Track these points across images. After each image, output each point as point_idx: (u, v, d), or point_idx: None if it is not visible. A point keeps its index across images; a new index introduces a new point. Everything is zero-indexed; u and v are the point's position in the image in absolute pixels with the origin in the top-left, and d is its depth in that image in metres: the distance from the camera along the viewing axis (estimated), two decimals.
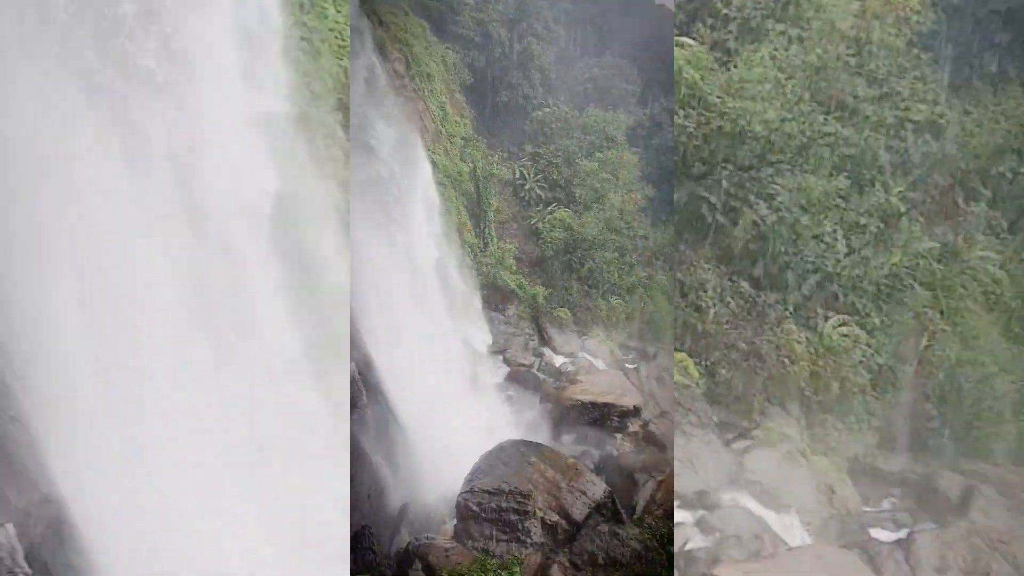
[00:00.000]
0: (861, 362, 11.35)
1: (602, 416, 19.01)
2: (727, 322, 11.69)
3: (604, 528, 12.46)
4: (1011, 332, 12.85)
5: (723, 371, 11.97)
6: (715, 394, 12.12)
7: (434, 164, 24.40)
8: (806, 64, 12.29)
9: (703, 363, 12.39)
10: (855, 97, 12.48)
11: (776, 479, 11.35)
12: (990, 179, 13.00)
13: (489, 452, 13.97)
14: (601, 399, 19.41)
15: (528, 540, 12.04)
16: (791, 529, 10.89)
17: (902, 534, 10.78)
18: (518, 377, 22.67)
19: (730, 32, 12.08)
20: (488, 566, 10.71)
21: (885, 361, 11.59)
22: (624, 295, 28.46)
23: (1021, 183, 12.90)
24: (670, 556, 11.84)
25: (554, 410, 19.36)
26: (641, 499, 14.32)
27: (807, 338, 11.81)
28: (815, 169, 11.93)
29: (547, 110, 33.34)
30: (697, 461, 12.32)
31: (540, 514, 12.37)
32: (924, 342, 11.77)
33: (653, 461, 15.74)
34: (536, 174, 32.11)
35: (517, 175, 31.88)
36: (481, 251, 26.62)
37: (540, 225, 29.99)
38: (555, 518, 12.47)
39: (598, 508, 12.84)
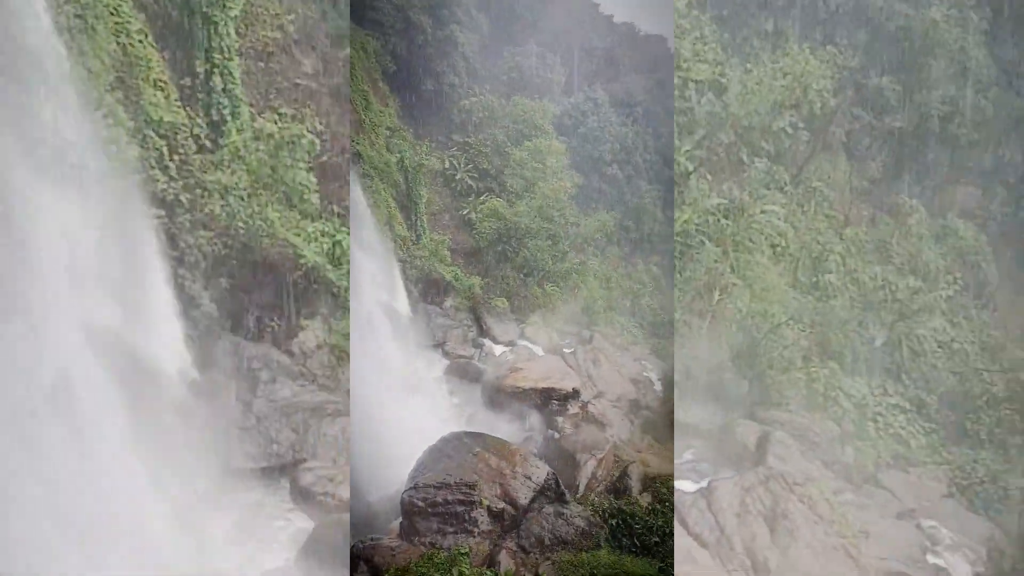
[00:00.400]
0: (559, 300, 16.00)
1: (543, 401, 19.48)
2: (517, 287, 19.00)
3: (549, 510, 12.79)
4: (798, 282, 15.66)
5: (515, 303, 18.36)
6: (513, 310, 18.67)
7: (359, 155, 23.53)
8: None
9: (510, 302, 18.67)
10: None
11: (533, 334, 19.27)
12: (771, 135, 15.05)
13: (432, 446, 13.91)
14: (541, 384, 19.87)
15: (476, 530, 12.10)
16: (539, 350, 17.01)
17: (704, 483, 13.00)
18: (458, 369, 22.58)
19: None
20: (435, 560, 10.67)
21: (680, 316, 13.50)
22: (559, 281, 29.09)
23: (800, 138, 15.11)
24: (627, 525, 12.31)
25: (496, 399, 19.56)
26: (583, 478, 14.84)
27: (542, 291, 18.23)
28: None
29: (473, 99, 33.05)
30: (509, 331, 20.09)
31: (486, 503, 12.48)
32: (716, 296, 13.41)
33: (593, 440, 16.31)
34: (466, 164, 31.84)
35: (447, 165, 31.46)
36: (414, 243, 26.12)
37: (473, 215, 29.85)
38: (501, 505, 12.62)
39: (542, 491, 13.15)
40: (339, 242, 17.72)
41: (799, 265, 16.73)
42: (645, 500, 14.26)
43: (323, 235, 17.68)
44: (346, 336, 17.73)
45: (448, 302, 26.08)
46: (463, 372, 22.26)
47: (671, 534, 12.39)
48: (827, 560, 11.48)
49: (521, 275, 28.53)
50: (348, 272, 17.65)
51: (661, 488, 14.67)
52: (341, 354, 17.79)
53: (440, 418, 18.10)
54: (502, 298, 27.11)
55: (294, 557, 13.18)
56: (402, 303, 22.26)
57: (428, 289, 26.05)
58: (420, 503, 12.14)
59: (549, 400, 19.46)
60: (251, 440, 15.58)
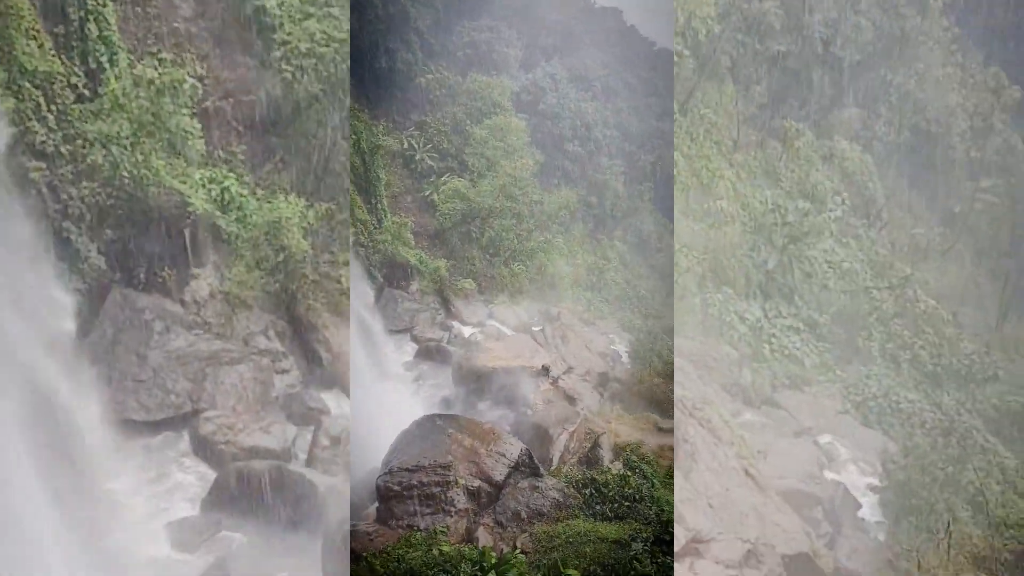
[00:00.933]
0: (528, 281, 22.61)
1: (514, 379, 19.61)
2: (482, 268, 22.94)
3: (524, 484, 13.02)
4: (690, 209, 19.25)
5: (483, 284, 21.01)
6: (481, 290, 21.19)
7: None
8: None
9: (476, 282, 21.30)
10: None
11: (501, 314, 23.41)
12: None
13: (405, 431, 13.88)
14: (512, 363, 20.06)
15: (452, 509, 12.22)
16: (508, 330, 21.46)
17: (540, 327, 19.07)
18: (428, 353, 22.55)
19: None
20: (413, 541, 10.78)
21: (530, 281, 21.23)
22: (525, 260, 29.18)
23: (686, 65, 18.71)
24: (600, 494, 12.89)
25: (467, 380, 19.63)
26: (556, 451, 15.19)
27: (507, 271, 23.22)
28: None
29: (429, 76, 32.26)
30: (477, 312, 21.84)
31: (462, 482, 12.57)
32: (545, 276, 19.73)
33: (564, 414, 16.65)
34: (425, 144, 31.21)
35: (406, 146, 30.78)
36: (376, 228, 25.62)
37: (435, 196, 29.44)
38: (477, 483, 12.76)
39: (517, 467, 13.34)
40: (227, 188, 17.62)
41: (690, 192, 19.71)
42: (616, 468, 14.70)
43: (211, 182, 17.52)
44: (240, 283, 17.86)
45: (414, 286, 25.83)
46: (433, 355, 22.25)
47: (641, 499, 12.89)
48: (727, 480, 13.13)
49: (487, 256, 28.51)
50: (267, 228, 17.79)
51: (631, 456, 15.15)
52: (235, 301, 17.91)
53: (412, 402, 18.07)
54: (469, 279, 27.10)
55: (199, 507, 13.65)
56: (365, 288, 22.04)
57: (393, 273, 25.70)
58: (396, 487, 12.15)
59: (520, 378, 19.64)
60: (147, 392, 15.54)
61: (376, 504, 12.38)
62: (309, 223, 18.85)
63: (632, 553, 9.32)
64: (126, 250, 16.76)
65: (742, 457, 14.96)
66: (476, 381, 19.45)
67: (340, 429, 16.19)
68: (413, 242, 27.16)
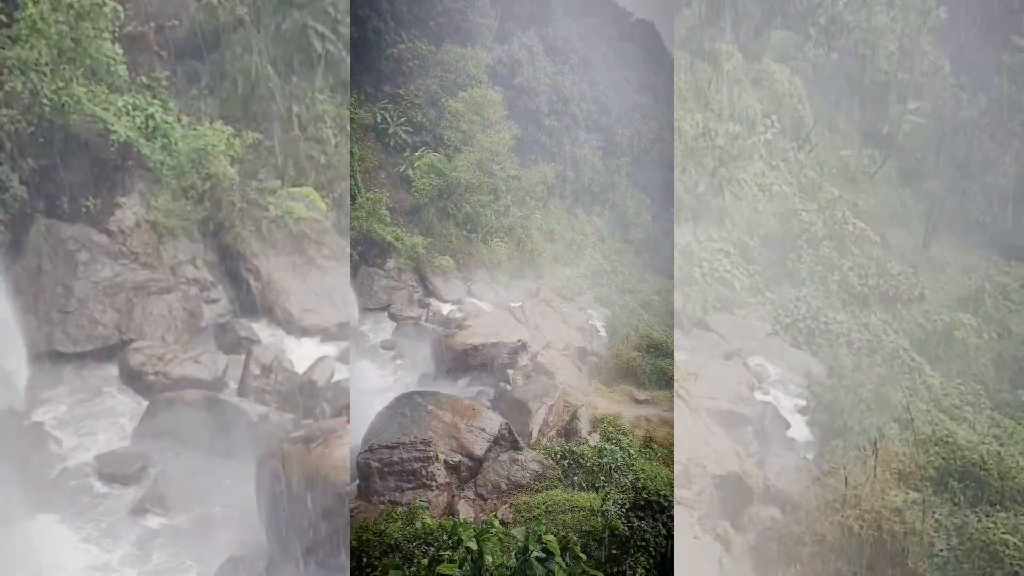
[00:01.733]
0: (506, 256, 23.93)
1: (493, 356, 19.74)
2: (458, 244, 21.84)
3: (504, 457, 13.30)
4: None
5: (460, 260, 21.01)
6: (459, 267, 21.46)
7: None
8: None
9: (453, 258, 21.71)
10: None
11: (480, 291, 23.34)
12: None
13: (385, 408, 13.97)
14: (491, 340, 20.11)
15: (434, 483, 12.46)
16: (487, 306, 22.15)
17: (520, 304, 21.00)
18: (406, 331, 22.52)
19: None
20: (394, 515, 11.00)
21: (509, 255, 23.15)
22: (503, 236, 29.05)
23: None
24: (578, 464, 13.28)
25: (446, 357, 19.70)
26: (535, 425, 15.40)
27: (487, 249, 23.82)
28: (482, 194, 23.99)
29: (401, 46, 31.34)
30: (455, 290, 22.11)
31: (443, 457, 12.79)
32: (525, 246, 22.60)
33: (543, 389, 16.88)
34: (399, 117, 30.52)
35: (379, 119, 30.06)
36: (350, 204, 25.19)
37: (411, 172, 28.92)
38: (457, 458, 13.00)
39: (497, 441, 13.59)
40: (152, 115, 17.44)
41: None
42: (594, 440, 15.09)
43: (134, 109, 17.28)
44: (167, 212, 17.86)
45: (391, 263, 25.58)
46: (411, 333, 22.22)
47: (618, 468, 13.34)
48: (560, 326, 16.06)
49: (464, 232, 28.26)
50: (165, 148, 17.51)
51: (608, 427, 15.56)
52: (162, 230, 17.94)
53: (391, 380, 18.11)
54: (446, 256, 26.86)
55: (129, 438, 13.88)
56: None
57: (368, 251, 25.40)
58: (376, 464, 12.29)
59: (499, 354, 19.78)
60: (74, 323, 15.49)
61: (357, 481, 12.50)
62: (236, 151, 18.64)
63: (604, 510, 9.71)
64: (49, 179, 16.41)
65: (675, 380, 15.85)
66: (455, 358, 19.52)
67: (271, 358, 16.30)
68: (389, 219, 26.78)
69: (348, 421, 12.76)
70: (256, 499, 12.33)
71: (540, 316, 23.98)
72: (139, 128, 17.22)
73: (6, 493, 11.08)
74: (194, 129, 18.48)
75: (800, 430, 17.33)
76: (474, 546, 7.34)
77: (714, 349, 19.49)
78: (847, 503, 12.94)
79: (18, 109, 15.51)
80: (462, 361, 19.49)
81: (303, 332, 19.30)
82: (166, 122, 17.77)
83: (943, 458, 14.60)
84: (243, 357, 16.64)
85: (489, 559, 7.23)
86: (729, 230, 23.12)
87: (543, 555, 7.21)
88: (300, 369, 17.01)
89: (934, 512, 13.37)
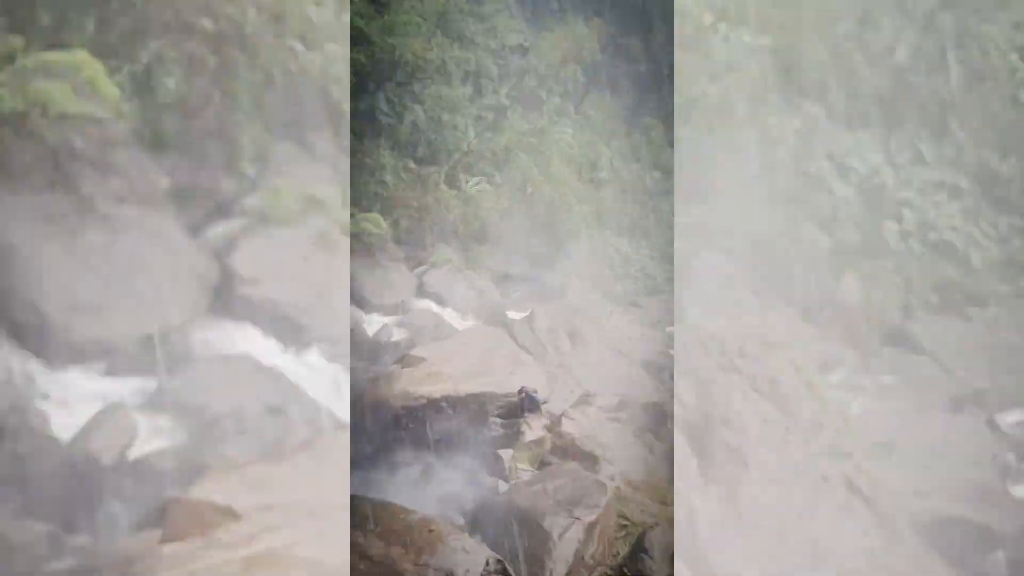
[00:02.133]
0: (492, 207, 30.02)
1: (473, 419, 20.17)
2: (402, 189, 28.72)
3: None
4: (582, 177, 34.34)
5: (404, 222, 28.42)
6: (400, 238, 28.51)
7: None
8: (436, 11, 32.34)
9: (389, 218, 28.85)
10: (471, 31, 33.22)
11: (445, 288, 27.49)
12: (560, 80, 35.58)
13: None
14: (466, 388, 20.44)
15: None
16: (457, 319, 26.53)
17: (527, 312, 26.02)
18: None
19: None
20: None
21: (507, 205, 30.76)
22: (492, 172, 30.71)
23: (580, 81, 36.68)
24: None
25: (373, 422, 20.03)
26: (559, 562, 15.30)
27: (456, 194, 29.80)
28: (448, 82, 30.53)
29: None
30: (394, 284, 26.83)
31: None
32: (528, 189, 31.29)
33: (576, 489, 16.85)
34: None
35: None
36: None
37: None
38: None
39: None
40: None
41: (582, 167, 34.98)
42: None
43: None
44: None
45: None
46: None
47: None
48: (608, 358, 24.83)
49: (413, 162, 29.22)
50: None
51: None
52: None
53: None
54: (373, 213, 27.59)
55: None
56: None
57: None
58: None
59: (484, 417, 20.23)
60: None
61: None
62: None
63: None
64: None
65: (843, 455, 18.79)
66: (395, 426, 19.93)
67: (1, 410, 17.26)
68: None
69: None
70: None
71: (569, 339, 24.38)
72: None
73: None
74: None
75: None
76: None
77: (928, 392, 23.16)
78: None
79: None
80: (410, 431, 19.90)
81: (71, 356, 19.72)
82: None
83: None
84: None
85: None
86: (959, 142, 25.42)
87: None
88: (65, 433, 17.79)
89: None
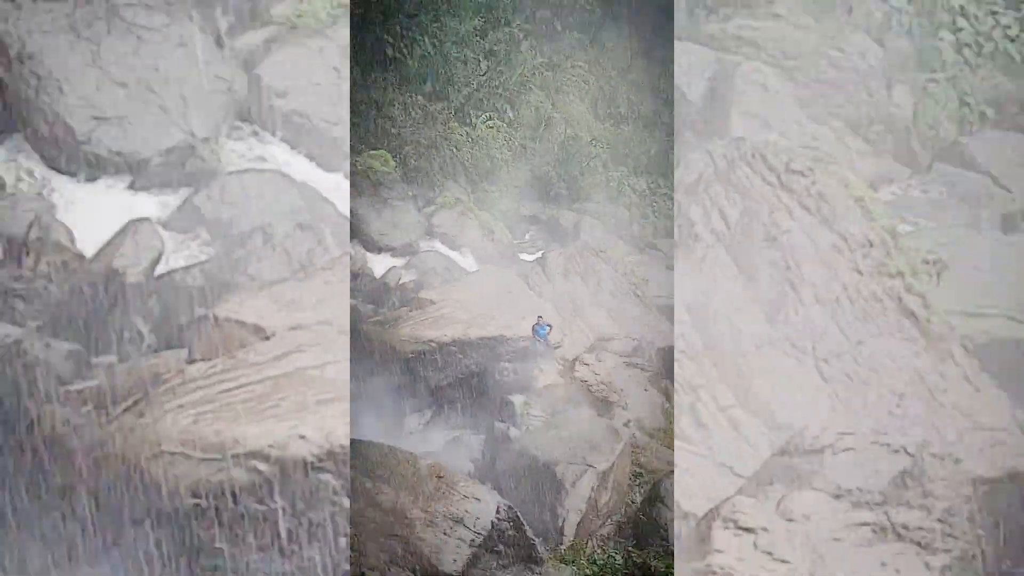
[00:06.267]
0: (504, 144, 29.99)
1: (483, 364, 20.27)
2: (410, 125, 28.32)
3: None
4: (597, 114, 34.23)
5: (412, 160, 28.18)
6: (408, 177, 28.13)
7: None
8: None
9: (397, 156, 28.49)
10: None
11: (455, 229, 27.38)
12: (575, 10, 34.70)
13: None
14: (476, 332, 20.52)
15: None
16: (468, 261, 26.66)
17: (539, 255, 26.99)
18: None
19: None
20: None
21: (519, 142, 30.69)
22: (504, 108, 30.12)
23: (596, 11, 35.47)
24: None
25: (385, 367, 20.00)
26: (572, 511, 15.63)
27: (466, 132, 29.55)
28: (457, 13, 30.04)
29: None
30: (402, 225, 26.61)
31: None
32: (542, 126, 31.37)
33: (588, 435, 17.15)
34: None
35: None
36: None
37: None
38: None
39: (490, 545, 13.88)
40: None
41: (598, 102, 34.61)
42: None
43: None
44: None
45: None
46: None
47: None
48: (622, 300, 24.89)
49: (421, 97, 28.76)
50: None
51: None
52: None
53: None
54: (381, 151, 27.40)
55: None
56: None
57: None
58: None
59: (495, 361, 20.25)
60: None
61: None
62: None
63: None
64: None
65: (893, 274, 19.17)
66: (404, 369, 19.94)
67: (25, 223, 17.83)
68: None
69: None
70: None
71: (583, 281, 24.39)
72: None
73: None
74: None
75: None
76: None
77: (981, 209, 23.77)
78: None
79: None
80: (418, 375, 19.92)
81: (95, 167, 20.45)
82: None
83: None
84: None
85: None
86: None
87: None
88: (89, 248, 18.39)
89: None
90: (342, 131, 21.95)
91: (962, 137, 24.46)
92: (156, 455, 13.06)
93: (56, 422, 13.66)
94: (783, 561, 12.95)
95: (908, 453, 14.42)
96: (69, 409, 13.84)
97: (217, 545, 12.78)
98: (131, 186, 20.23)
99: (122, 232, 18.61)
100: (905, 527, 13.56)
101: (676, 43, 25.98)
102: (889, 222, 19.29)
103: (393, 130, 27.79)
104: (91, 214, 19.24)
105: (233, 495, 12.74)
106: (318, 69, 22.39)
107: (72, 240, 18.29)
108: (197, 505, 12.78)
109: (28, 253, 17.23)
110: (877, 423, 15.60)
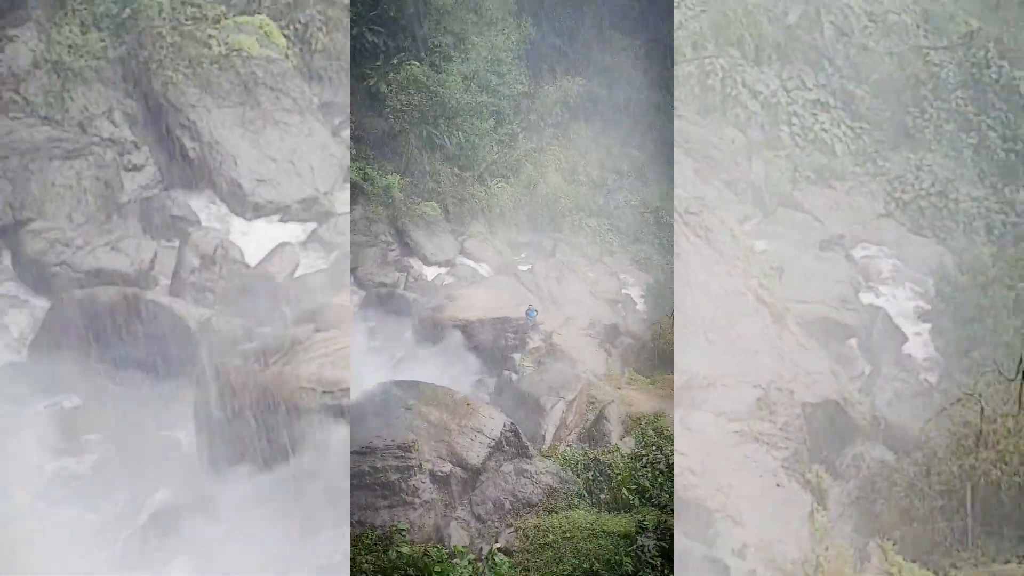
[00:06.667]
0: (508, 198, 26.98)
1: (495, 335, 20.04)
2: (450, 186, 24.14)
3: (509, 468, 13.53)
4: (567, 180, 29.66)
5: (451, 208, 23.00)
6: (448, 218, 23.58)
7: None
8: (471, 70, 27.68)
9: (441, 205, 23.69)
10: (494, 84, 27.70)
11: (477, 251, 25.01)
12: (552, 115, 30.91)
13: (351, 403, 14.05)
14: (491, 314, 20.35)
15: (416, 500, 12.59)
16: (485, 270, 24.90)
17: (530, 267, 24.92)
18: (378, 301, 22.46)
19: None
20: (365, 542, 11.15)
21: (518, 197, 27.42)
22: (508, 176, 29.16)
23: (565, 116, 31.22)
24: (606, 478, 14.01)
25: (432, 337, 19.90)
26: (550, 426, 15.64)
27: (485, 190, 26.50)
28: (479, 117, 27.19)
29: None
30: (444, 248, 23.95)
31: (428, 467, 12.97)
32: (532, 187, 27.90)
33: (560, 379, 17.07)
34: (367, 12, 29.75)
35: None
36: None
37: (383, 87, 28.38)
38: (447, 468, 13.16)
39: (499, 446, 13.81)
40: None
41: (566, 172, 27.46)
42: (627, 446, 15.29)
43: None
44: (73, 48, 17.85)
45: (357, 211, 25.38)
46: (385, 304, 22.18)
47: (657, 483, 13.46)
48: (732, 307, 16.45)
49: (456, 169, 28.13)
50: None
51: (647, 430, 15.74)
52: (67, 73, 17.83)
53: (359, 364, 18.21)
54: (431, 203, 26.79)
55: (26, 350, 14.60)
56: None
57: None
58: None
59: (503, 333, 20.05)
60: None
61: None
62: None
63: (639, 546, 9.81)
64: None
65: (751, 276, 17.86)
66: (444, 338, 19.70)
67: (214, 245, 16.93)
68: (353, 151, 26.46)
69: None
70: (195, 430, 13.36)
71: (557, 283, 24.15)
72: None
73: None
74: None
75: (921, 344, 18.77)
76: None
77: (807, 236, 21.63)
78: (982, 442, 13.09)
79: None
80: (453, 342, 19.68)
81: (256, 211, 20.29)
82: None
83: None
84: (176, 244, 17.22)
85: None
86: (829, 74, 24.20)
87: None
88: (253, 260, 18.14)
89: None
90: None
91: (795, 192, 24.45)
92: (295, 390, 13.23)
93: (232, 370, 13.73)
94: (683, 455, 13.56)
95: (762, 387, 14.81)
96: (240, 361, 13.88)
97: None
98: (280, 220, 20.50)
99: (273, 251, 18.89)
100: (760, 433, 13.89)
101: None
102: (748, 243, 19.20)
103: (439, 189, 27.57)
104: (254, 239, 19.51)
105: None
106: None
107: (242, 255, 18.37)
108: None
109: (215, 263, 17.37)
110: (743, 369, 15.80)
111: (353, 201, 25.87)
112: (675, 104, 26.08)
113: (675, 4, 25.80)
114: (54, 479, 13.19)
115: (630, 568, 10.67)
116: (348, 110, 24.90)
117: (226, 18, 21.12)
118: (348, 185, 22.92)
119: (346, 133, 24.07)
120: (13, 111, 16.95)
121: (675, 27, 25.14)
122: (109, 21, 18.36)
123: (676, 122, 24.91)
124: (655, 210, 32.09)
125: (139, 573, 11.68)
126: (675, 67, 25.46)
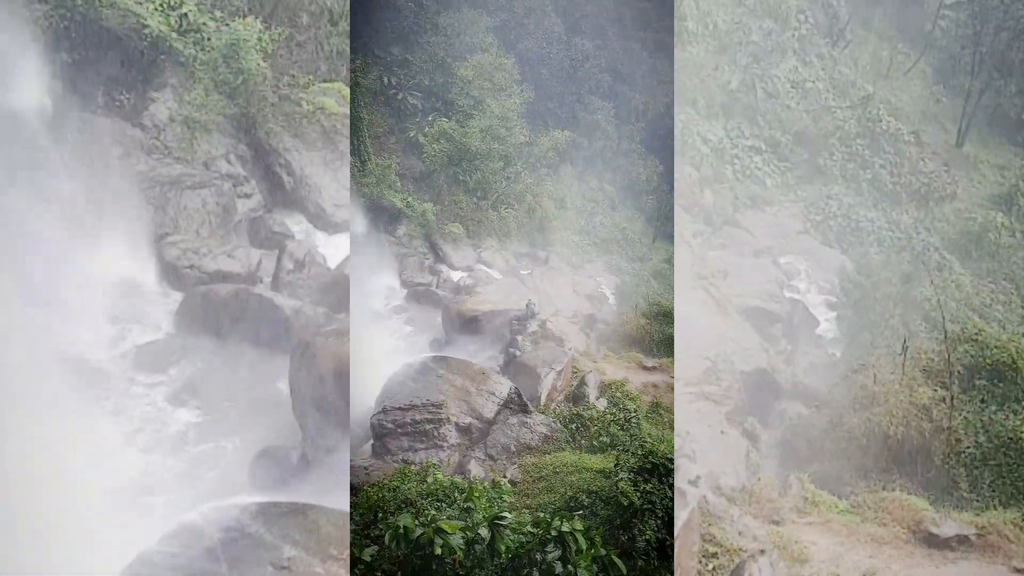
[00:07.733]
0: (513, 220, 25.55)
1: (502, 322, 19.69)
2: (469, 212, 24.24)
3: (513, 420, 13.55)
4: (558, 207, 28.65)
5: (471, 227, 22.99)
6: (469, 235, 23.11)
7: None
8: (486, 126, 26.07)
9: (464, 226, 23.98)
10: (502, 135, 26.19)
11: (490, 259, 23.53)
12: (546, 159, 28.18)
13: (397, 373, 14.19)
14: (500, 306, 20.21)
15: (445, 444, 12.73)
16: (495, 273, 23.50)
17: (529, 271, 23.98)
18: (417, 297, 22.56)
19: None
20: (407, 473, 11.26)
21: (520, 220, 26.16)
22: (513, 204, 28.82)
23: (556, 160, 28.43)
24: (585, 428, 13.97)
25: (457, 323, 19.79)
26: (544, 389, 15.55)
27: (496, 215, 25.35)
28: (492, 160, 25.61)
29: (407, 8, 30.38)
30: (466, 257, 22.95)
31: (454, 419, 13.05)
32: (532, 213, 25.36)
33: (551, 355, 16.95)
34: (408, 81, 29.80)
35: (387, 83, 29.44)
36: (359, 169, 24.93)
37: (421, 138, 28.45)
38: (468, 420, 13.25)
39: (506, 404, 13.83)
40: (185, 13, 17.88)
41: (556, 202, 27.15)
42: (601, 405, 15.29)
43: (168, 6, 17.78)
44: (199, 107, 18.27)
45: (401, 230, 25.46)
46: (422, 299, 22.24)
47: (624, 432, 13.50)
48: (569, 293, 19.23)
49: (475, 199, 27.99)
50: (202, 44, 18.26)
51: (616, 393, 15.71)
52: (195, 125, 18.29)
53: (403, 344, 18.30)
54: (456, 224, 26.68)
55: (165, 330, 14.68)
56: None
57: (378, 217, 25.30)
58: (390, 425, 12.55)
59: (509, 320, 19.74)
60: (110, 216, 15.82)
61: (372, 441, 12.81)
62: (267, 46, 19.01)
63: (616, 480, 9.86)
64: (83, 74, 16.86)
65: (703, 277, 18.29)
66: (465, 324, 19.62)
67: (304, 253, 16.96)
68: (399, 185, 26.50)
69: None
70: (290, 392, 13.03)
71: (549, 283, 24.21)
72: (172, 24, 17.52)
73: (49, 379, 11.32)
74: (226, 24, 18.57)
75: (829, 327, 18.76)
76: (486, 533, 6.95)
77: (744, 247, 21.65)
78: (875, 400, 13.41)
79: (51, 3, 15.66)
80: (472, 327, 19.58)
81: (335, 228, 20.45)
82: (200, 21, 18.00)
83: (972, 356, 14.38)
84: (276, 252, 17.19)
85: (502, 547, 6.90)
86: (761, 127, 24.61)
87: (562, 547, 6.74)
88: (332, 264, 17.75)
89: (962, 410, 13.52)
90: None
91: (736, 214, 24.18)
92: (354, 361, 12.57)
93: (317, 347, 13.21)
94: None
95: (710, 359, 14.85)
96: (320, 338, 13.62)
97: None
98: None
99: (346, 259, 18.41)
100: (709, 393, 13.86)
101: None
102: (701, 252, 19.29)
103: (462, 214, 27.43)
104: (332, 248, 19.24)
105: None
106: None
107: (324, 260, 18.09)
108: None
109: (304, 267, 17.29)
110: (696, 345, 15.62)
111: (398, 222, 25.90)
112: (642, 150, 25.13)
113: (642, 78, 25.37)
114: (187, 426, 13.31)
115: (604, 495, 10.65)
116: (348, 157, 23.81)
117: (313, 84, 21.26)
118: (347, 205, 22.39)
119: (346, 171, 23.08)
120: (155, 154, 17.48)
121: (641, 93, 25.32)
122: (226, 87, 18.94)
123: (644, 162, 24.45)
124: (623, 230, 32.10)
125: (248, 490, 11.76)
126: (642, 122, 25.73)
